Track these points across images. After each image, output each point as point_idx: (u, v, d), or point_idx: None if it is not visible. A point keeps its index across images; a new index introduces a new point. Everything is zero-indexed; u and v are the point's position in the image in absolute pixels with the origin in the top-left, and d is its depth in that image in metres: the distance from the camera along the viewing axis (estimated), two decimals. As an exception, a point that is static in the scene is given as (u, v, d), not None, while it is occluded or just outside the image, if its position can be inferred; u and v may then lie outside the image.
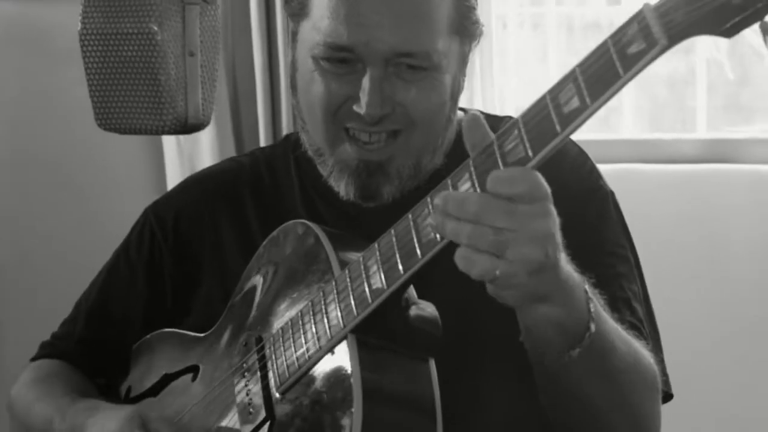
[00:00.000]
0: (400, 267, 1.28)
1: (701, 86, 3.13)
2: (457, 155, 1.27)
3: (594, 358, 1.33)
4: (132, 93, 1.73)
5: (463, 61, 1.58)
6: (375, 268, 1.31)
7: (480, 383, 1.52)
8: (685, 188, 2.98)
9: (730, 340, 2.94)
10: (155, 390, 1.68)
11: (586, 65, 1.14)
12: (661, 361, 1.54)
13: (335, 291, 1.37)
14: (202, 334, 1.66)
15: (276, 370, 1.44)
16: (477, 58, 2.96)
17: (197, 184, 1.77)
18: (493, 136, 1.22)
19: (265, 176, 1.71)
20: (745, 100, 3.18)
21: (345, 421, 1.30)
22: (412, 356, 1.35)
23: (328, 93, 1.53)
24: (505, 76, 3.23)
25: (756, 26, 1.07)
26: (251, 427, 1.45)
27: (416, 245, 1.26)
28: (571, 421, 1.44)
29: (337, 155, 1.56)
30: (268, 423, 1.43)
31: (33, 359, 1.81)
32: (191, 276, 1.71)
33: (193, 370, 1.63)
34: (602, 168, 1.65)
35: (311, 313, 1.40)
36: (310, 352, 1.38)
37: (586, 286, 1.33)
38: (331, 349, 1.36)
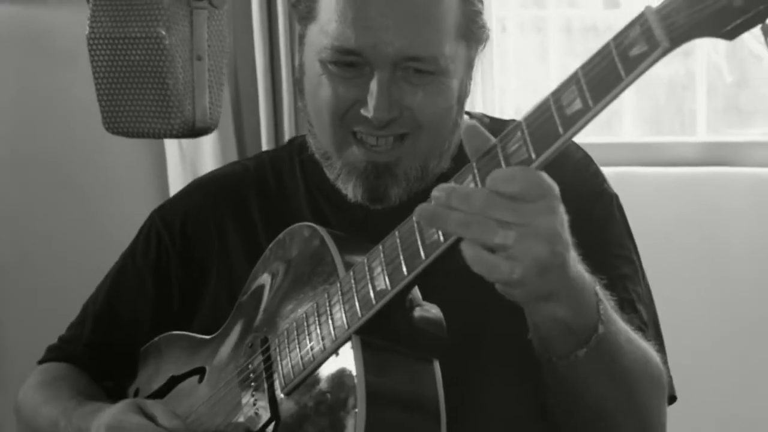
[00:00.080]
0: (404, 268, 1.28)
1: (701, 89, 3.13)
2: (463, 159, 1.26)
3: (601, 358, 1.33)
4: (140, 97, 1.73)
5: (469, 65, 1.59)
6: (379, 269, 1.31)
7: (483, 385, 1.52)
8: (685, 191, 2.98)
9: (730, 341, 2.94)
10: (162, 392, 1.68)
11: (588, 67, 1.14)
12: (665, 363, 1.53)
13: (340, 292, 1.37)
14: (208, 336, 1.66)
15: (281, 371, 1.44)
16: (477, 59, 2.96)
17: (203, 187, 1.77)
18: (494, 140, 1.22)
19: (270, 179, 1.71)
20: (744, 102, 3.19)
21: (349, 422, 1.30)
22: (416, 357, 1.35)
23: (336, 97, 1.53)
24: (505, 76, 3.24)
25: (757, 29, 1.08)
26: (256, 427, 1.45)
27: (420, 246, 1.26)
28: (577, 420, 1.44)
29: (345, 158, 1.56)
30: (272, 423, 1.43)
31: (40, 362, 1.81)
32: (198, 279, 1.71)
33: (200, 372, 1.64)
34: (603, 171, 1.66)
35: (316, 314, 1.40)
36: (315, 353, 1.38)
37: (597, 288, 1.32)
38: (335, 351, 1.36)
